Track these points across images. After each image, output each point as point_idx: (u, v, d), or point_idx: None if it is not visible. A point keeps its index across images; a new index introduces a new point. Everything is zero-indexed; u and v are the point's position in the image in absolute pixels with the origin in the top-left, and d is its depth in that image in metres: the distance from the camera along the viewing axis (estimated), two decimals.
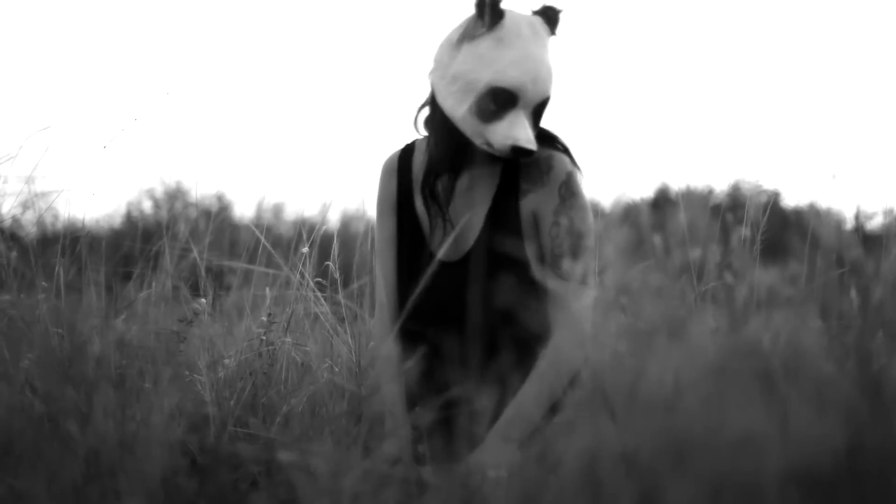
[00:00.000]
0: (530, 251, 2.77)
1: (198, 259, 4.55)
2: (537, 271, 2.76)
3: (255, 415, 3.07)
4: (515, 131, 2.75)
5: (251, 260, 4.89)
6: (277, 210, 10.89)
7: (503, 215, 2.80)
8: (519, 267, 2.76)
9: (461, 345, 2.72)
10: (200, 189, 11.13)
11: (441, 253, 2.81)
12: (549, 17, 2.84)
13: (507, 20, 2.79)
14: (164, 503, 2.24)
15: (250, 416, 2.95)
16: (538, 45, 2.80)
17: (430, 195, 2.86)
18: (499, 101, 2.76)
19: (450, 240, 2.80)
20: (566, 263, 2.74)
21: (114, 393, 2.45)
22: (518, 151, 2.74)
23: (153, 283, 4.02)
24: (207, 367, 3.21)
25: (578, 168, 2.82)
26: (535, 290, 2.75)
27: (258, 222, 12.14)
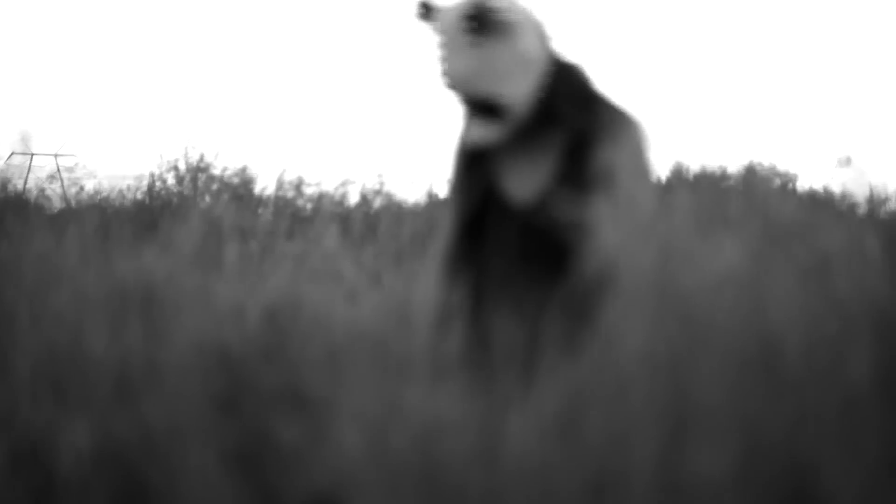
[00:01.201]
0: (593, 205, 2.75)
1: (222, 219, 4.58)
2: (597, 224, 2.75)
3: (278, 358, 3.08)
4: (468, 131, 2.78)
5: (273, 230, 4.92)
6: (298, 184, 10.90)
7: (572, 167, 2.81)
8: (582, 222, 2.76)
9: (517, 295, 2.74)
10: (223, 162, 11.16)
11: (505, 199, 2.85)
12: (473, 17, 2.69)
13: (439, 21, 2.76)
14: (191, 429, 2.25)
15: (275, 355, 2.97)
16: (457, 45, 2.73)
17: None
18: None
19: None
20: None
21: (140, 323, 2.46)
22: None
23: (179, 235, 4.05)
24: (232, 312, 3.22)
25: (642, 130, 2.83)
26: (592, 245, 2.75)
27: (280, 196, 12.14)
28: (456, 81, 2.75)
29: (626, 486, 1.49)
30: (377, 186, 10.52)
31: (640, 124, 2.86)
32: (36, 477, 1.81)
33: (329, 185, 10.67)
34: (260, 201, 10.60)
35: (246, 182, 10.82)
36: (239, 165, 11.07)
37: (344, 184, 10.57)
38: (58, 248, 3.82)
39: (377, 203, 10.03)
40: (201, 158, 11.08)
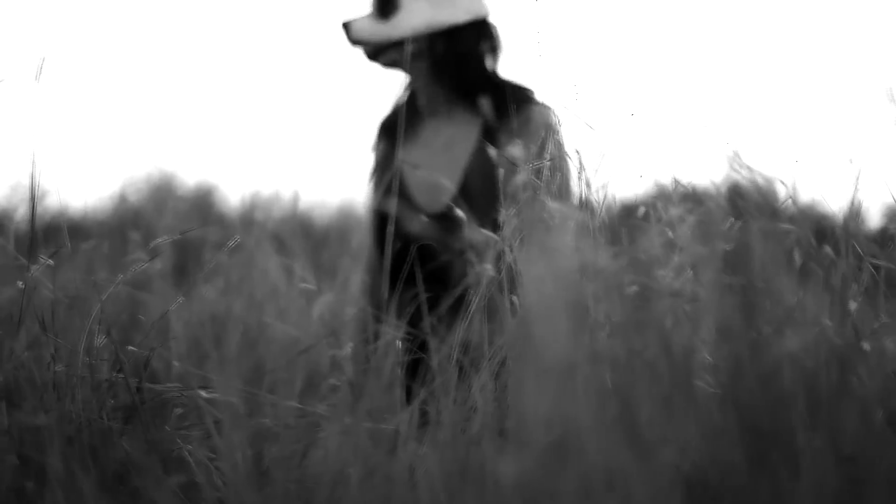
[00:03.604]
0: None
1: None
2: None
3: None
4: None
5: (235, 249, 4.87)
6: (267, 202, 10.83)
7: (481, 169, 2.83)
8: (495, 222, 2.75)
9: (434, 298, 2.72)
10: (190, 179, 11.13)
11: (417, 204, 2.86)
12: None
13: None
14: (86, 442, 2.21)
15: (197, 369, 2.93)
16: None
17: (390, 145, 2.94)
18: None
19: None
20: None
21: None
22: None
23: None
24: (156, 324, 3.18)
25: (557, 118, 2.84)
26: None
27: (246, 214, 12.04)
28: None
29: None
30: (320, 199, 10.47)
31: (546, 111, 2.89)
32: None
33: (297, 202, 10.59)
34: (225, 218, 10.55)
35: (211, 199, 10.77)
36: (204, 181, 11.02)
37: (277, 195, 10.49)
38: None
39: (320, 216, 10.00)
40: (167, 175, 11.02)
